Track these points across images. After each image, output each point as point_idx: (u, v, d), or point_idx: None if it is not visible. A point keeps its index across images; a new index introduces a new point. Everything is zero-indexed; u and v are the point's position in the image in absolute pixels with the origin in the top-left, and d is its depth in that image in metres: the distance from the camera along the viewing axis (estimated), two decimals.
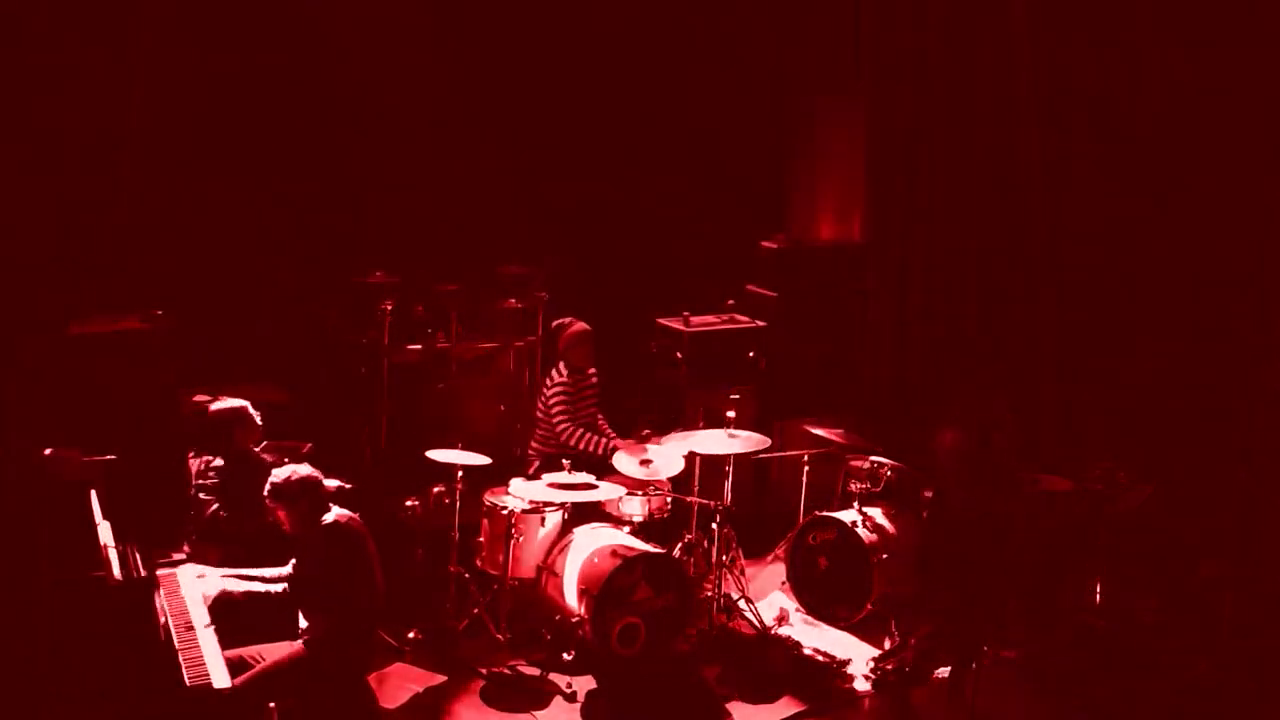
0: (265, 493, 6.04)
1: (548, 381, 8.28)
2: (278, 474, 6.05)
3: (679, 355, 9.12)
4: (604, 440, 8.10)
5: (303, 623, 6.06)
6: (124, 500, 6.38)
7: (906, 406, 9.42)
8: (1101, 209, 8.98)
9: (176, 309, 8.27)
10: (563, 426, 8.06)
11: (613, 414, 8.51)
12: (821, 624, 7.93)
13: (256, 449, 7.13)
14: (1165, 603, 8.12)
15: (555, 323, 8.38)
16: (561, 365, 8.22)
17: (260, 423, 7.10)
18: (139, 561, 5.82)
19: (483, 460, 7.48)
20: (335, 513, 6.05)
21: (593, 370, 8.33)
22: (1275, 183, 8.22)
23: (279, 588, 6.11)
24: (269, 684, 5.79)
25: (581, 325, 8.25)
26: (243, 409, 7.05)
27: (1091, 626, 7.96)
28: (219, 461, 6.90)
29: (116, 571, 5.61)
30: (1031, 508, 7.86)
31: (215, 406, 7.05)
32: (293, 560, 6.14)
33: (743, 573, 7.99)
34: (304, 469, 6.07)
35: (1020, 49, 9.19)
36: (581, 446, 8.00)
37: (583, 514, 7.70)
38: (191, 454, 7.01)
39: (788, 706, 7.02)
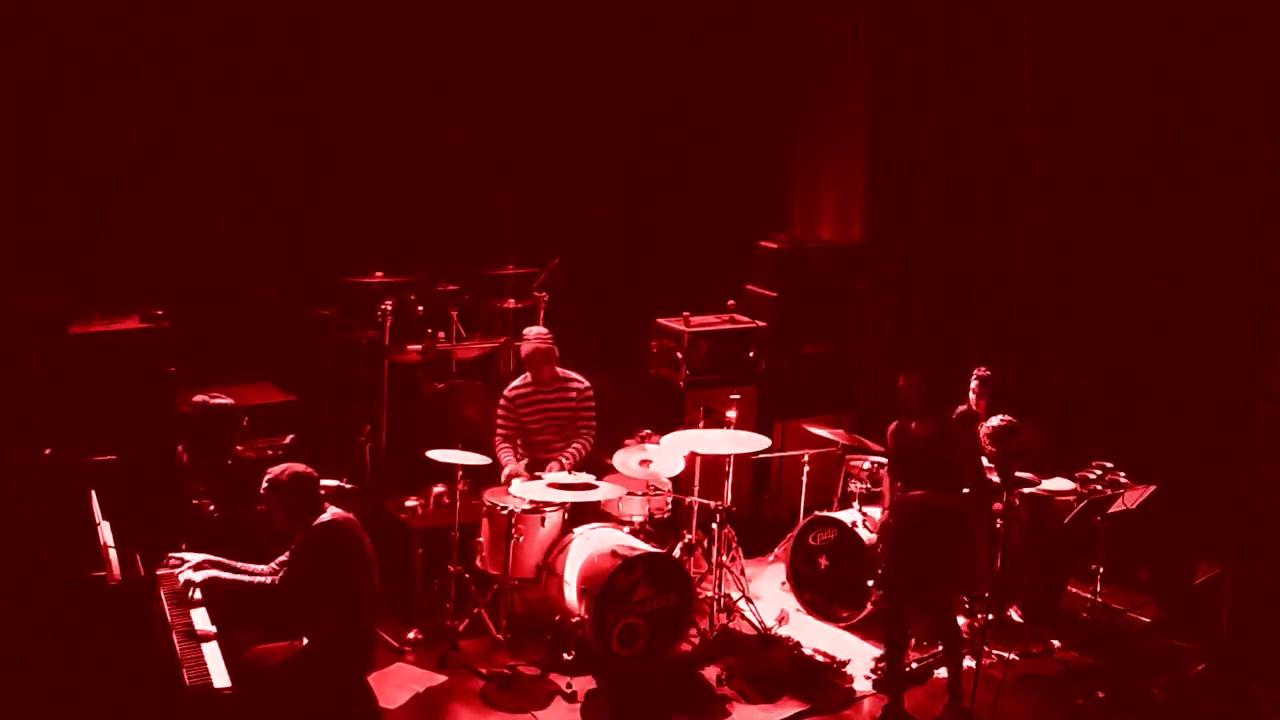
0: (261, 488, 5.98)
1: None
2: (273, 470, 5.99)
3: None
4: (512, 457, 7.96)
5: (302, 623, 6.04)
6: (124, 500, 6.37)
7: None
8: (1103, 208, 8.98)
9: (176, 309, 8.26)
10: (497, 435, 8.03)
11: (613, 415, 8.49)
12: (822, 623, 7.95)
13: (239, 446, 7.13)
14: (1165, 602, 8.13)
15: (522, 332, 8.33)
16: (529, 374, 8.13)
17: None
18: (139, 561, 5.82)
19: (483, 460, 7.48)
20: (330, 512, 6.00)
21: (577, 381, 8.14)
22: (1274, 182, 8.22)
23: (263, 579, 6.03)
24: (269, 684, 5.78)
25: (538, 342, 8.04)
26: (235, 407, 7.04)
27: (1091, 626, 7.97)
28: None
29: (116, 571, 5.60)
30: (1031, 508, 7.87)
31: (217, 401, 7.01)
32: (280, 557, 6.09)
33: (743, 573, 7.99)
34: (299, 466, 6.02)
35: (1020, 49, 9.20)
36: (497, 455, 7.91)
37: (583, 514, 7.70)
38: (183, 450, 7.00)
39: (788, 706, 7.02)
